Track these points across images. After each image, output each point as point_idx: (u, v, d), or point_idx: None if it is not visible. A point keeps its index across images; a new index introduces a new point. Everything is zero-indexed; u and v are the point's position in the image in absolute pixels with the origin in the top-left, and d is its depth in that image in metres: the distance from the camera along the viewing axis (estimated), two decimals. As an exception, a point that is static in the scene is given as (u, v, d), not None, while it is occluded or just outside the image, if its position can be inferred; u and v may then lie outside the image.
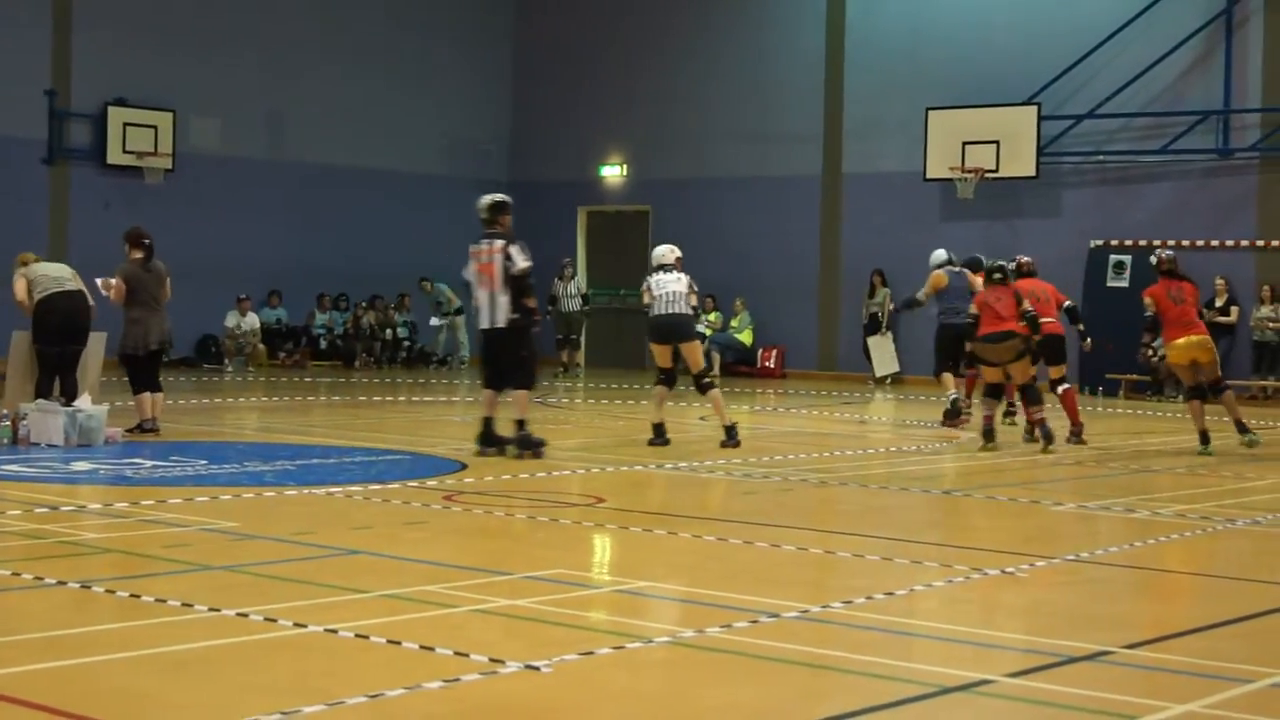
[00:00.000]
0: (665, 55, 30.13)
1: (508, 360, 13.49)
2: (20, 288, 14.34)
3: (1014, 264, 16.86)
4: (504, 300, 13.28)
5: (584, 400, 21.48)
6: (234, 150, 28.37)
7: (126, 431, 14.27)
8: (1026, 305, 15.19)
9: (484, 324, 13.48)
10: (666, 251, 15.08)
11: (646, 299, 14.82)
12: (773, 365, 28.21)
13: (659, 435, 14.66)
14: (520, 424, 13.43)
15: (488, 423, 13.62)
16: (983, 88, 26.07)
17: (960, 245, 24.29)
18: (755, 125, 28.93)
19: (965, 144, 25.90)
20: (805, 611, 7.09)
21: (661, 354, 14.93)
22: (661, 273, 14.85)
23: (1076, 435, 15.83)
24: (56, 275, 14.58)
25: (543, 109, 31.72)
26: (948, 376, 17.50)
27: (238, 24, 28.50)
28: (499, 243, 13.33)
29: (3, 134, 25.68)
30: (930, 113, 26.27)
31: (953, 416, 17.41)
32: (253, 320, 27.20)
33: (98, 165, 26.65)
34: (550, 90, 31.59)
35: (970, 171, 25.80)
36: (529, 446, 13.32)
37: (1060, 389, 16.06)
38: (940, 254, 18.16)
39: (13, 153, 25.55)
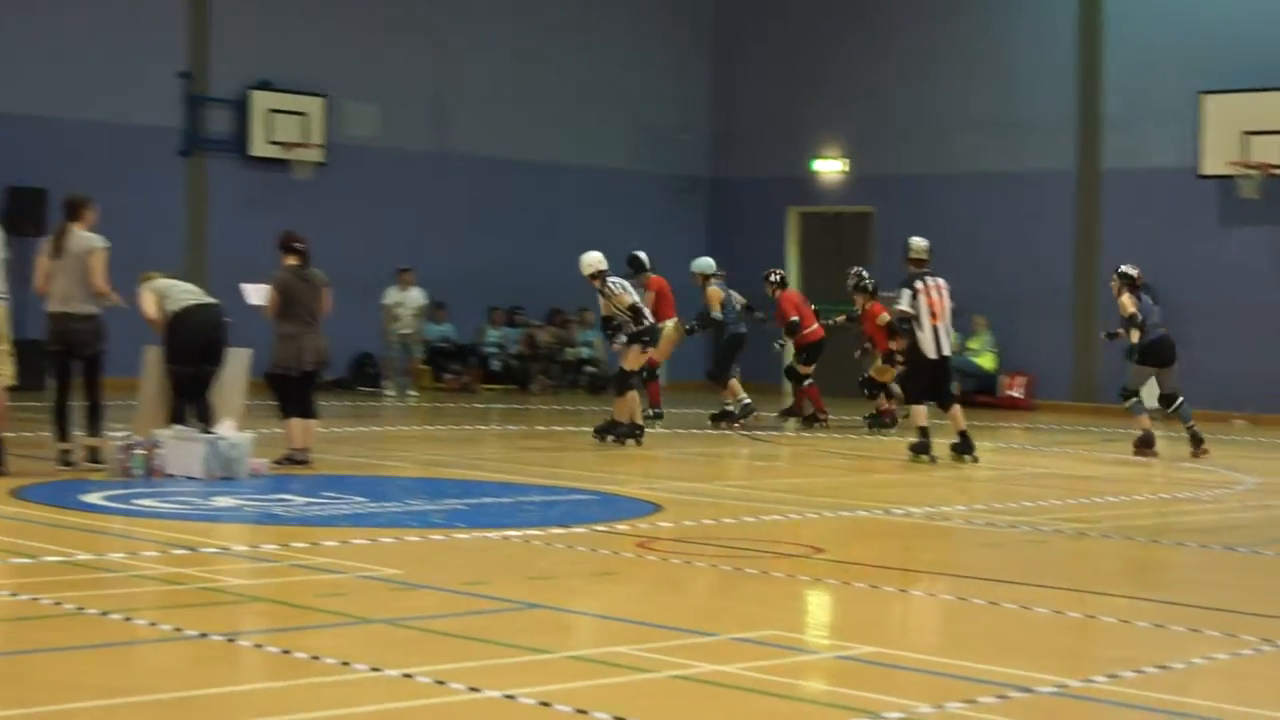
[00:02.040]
0: (890, 34, 30.02)
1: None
2: (149, 302, 14.66)
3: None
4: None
5: (801, 434, 21.43)
6: (393, 141, 28.82)
7: (274, 463, 14.56)
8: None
9: (932, 355, 17.00)
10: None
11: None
12: (1019, 395, 27.92)
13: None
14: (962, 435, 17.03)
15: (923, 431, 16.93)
16: (1269, 67, 25.58)
17: (1244, 253, 23.80)
18: (997, 113, 28.68)
19: (1248, 134, 25.41)
20: (1063, 686, 7.02)
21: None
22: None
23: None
24: (188, 288, 14.92)
25: (748, 95, 31.80)
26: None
27: (399, -4, 29.02)
28: (942, 280, 17.30)
29: (133, 122, 26.37)
30: (1204, 97, 25.83)
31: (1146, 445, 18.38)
32: (416, 297, 27.01)
33: (239, 157, 27.23)
34: (757, 74, 31.65)
35: (1255, 167, 25.31)
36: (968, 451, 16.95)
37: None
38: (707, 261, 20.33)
39: (145, 143, 26.22)
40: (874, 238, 29.43)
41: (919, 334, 17.13)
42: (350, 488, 13.45)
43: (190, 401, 14.53)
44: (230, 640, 7.46)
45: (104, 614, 7.98)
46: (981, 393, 27.84)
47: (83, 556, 9.77)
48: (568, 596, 8.86)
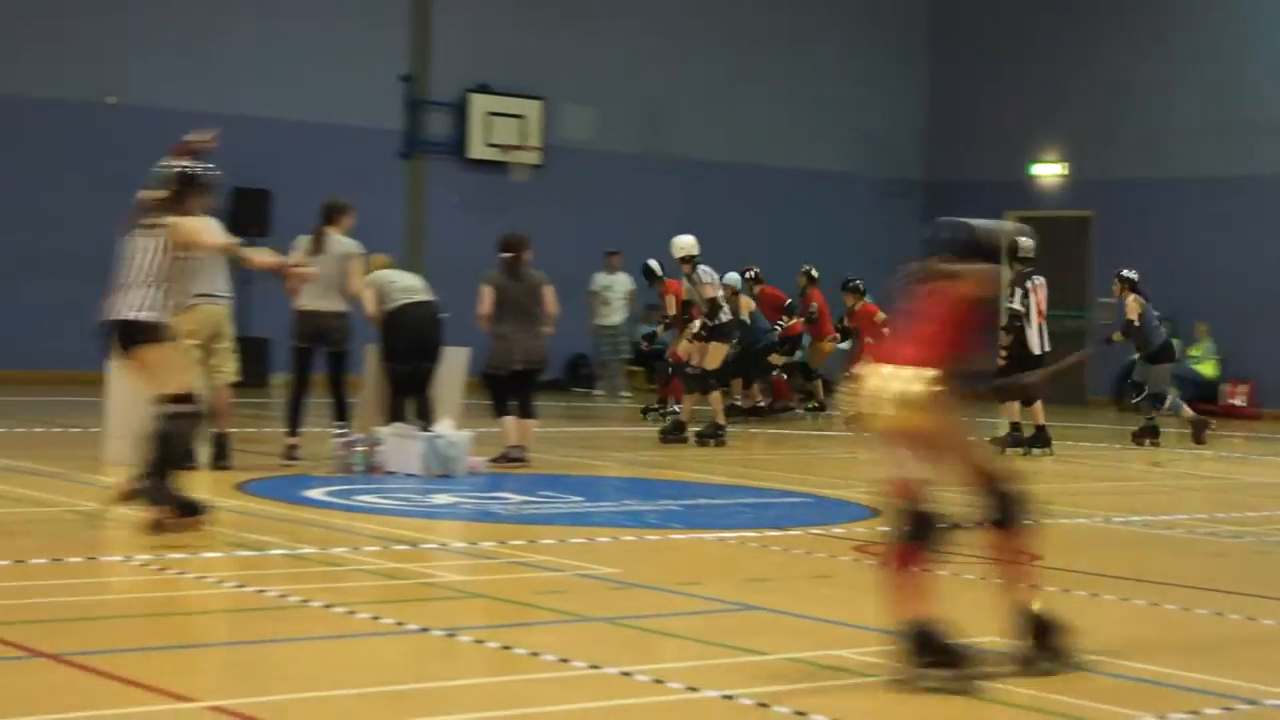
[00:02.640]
0: (1115, 33, 29.59)
1: None
2: (369, 298, 14.88)
3: None
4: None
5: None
6: (608, 144, 28.99)
7: (491, 461, 14.71)
8: None
9: (1037, 350, 17.58)
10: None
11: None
12: (1242, 403, 27.36)
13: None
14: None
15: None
16: None
17: None
18: (1220, 116, 28.14)
19: None
20: (1292, 699, 6.88)
21: None
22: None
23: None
24: (406, 285, 15.08)
25: (963, 97, 31.53)
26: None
27: (614, 1, 29.15)
28: (1043, 279, 18.04)
29: (356, 125, 26.80)
30: None
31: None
32: (624, 281, 26.96)
33: (458, 159, 27.57)
34: (972, 75, 31.38)
35: None
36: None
37: None
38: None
39: (366, 145, 26.63)
40: (1093, 243, 29.03)
41: (1027, 330, 17.76)
42: (566, 487, 13.55)
43: (411, 399, 14.71)
44: (450, 635, 7.55)
45: (328, 607, 8.12)
46: (1203, 400, 27.29)
47: (306, 550, 9.95)
48: (784, 599, 8.84)
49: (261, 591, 8.47)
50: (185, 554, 9.64)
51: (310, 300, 14.47)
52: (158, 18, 25.67)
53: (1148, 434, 19.88)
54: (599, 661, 7.01)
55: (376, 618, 7.92)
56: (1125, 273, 20.09)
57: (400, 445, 14.00)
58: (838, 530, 11.62)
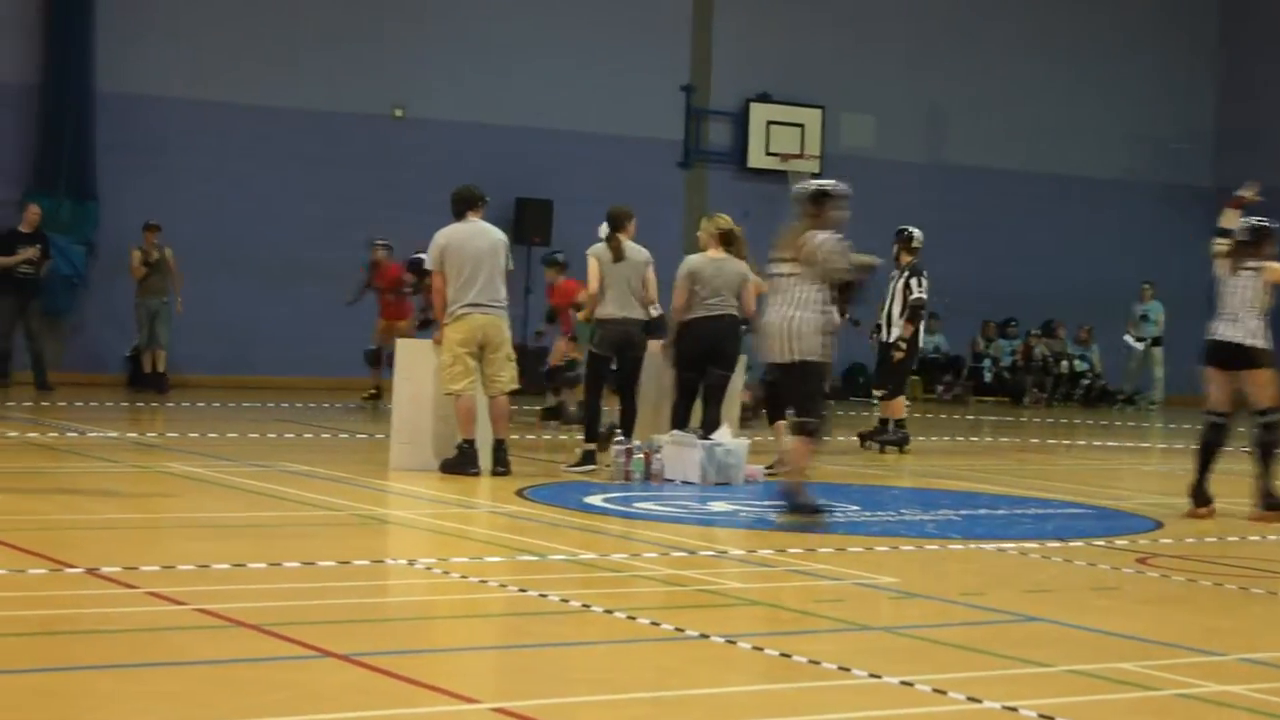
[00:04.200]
0: None
1: None
2: (680, 294, 14.81)
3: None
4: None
5: None
6: (887, 152, 28.86)
7: (767, 469, 14.70)
8: None
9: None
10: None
11: None
12: None
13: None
14: None
15: None
16: None
17: None
18: None
19: None
20: None
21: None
22: None
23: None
24: (715, 288, 14.75)
25: (1254, 101, 30.77)
26: None
27: (892, 9, 29.00)
28: None
29: (637, 135, 27.04)
30: None
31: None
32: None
33: (737, 168, 27.66)
34: (1266, 78, 30.60)
35: None
36: None
37: None
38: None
39: (647, 155, 26.86)
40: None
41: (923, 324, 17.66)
42: (844, 496, 13.48)
43: (699, 407, 14.66)
44: (730, 642, 7.56)
45: (608, 612, 8.19)
46: None
47: (587, 556, 10.04)
48: (1066, 610, 8.70)
49: (543, 596, 8.57)
50: (468, 558, 9.80)
51: (613, 309, 14.59)
52: (443, 32, 26.18)
53: None
54: (879, 671, 6.97)
55: (656, 623, 7.97)
56: None
57: (679, 453, 14.07)
58: (1120, 542, 11.42)
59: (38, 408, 19.88)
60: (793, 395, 12.27)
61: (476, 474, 13.84)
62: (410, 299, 21.73)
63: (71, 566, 8.84)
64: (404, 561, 9.96)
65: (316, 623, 7.72)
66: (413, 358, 14.56)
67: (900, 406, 18.09)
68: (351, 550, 10.05)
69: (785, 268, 11.91)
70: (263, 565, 9.14)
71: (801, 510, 11.64)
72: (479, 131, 26.23)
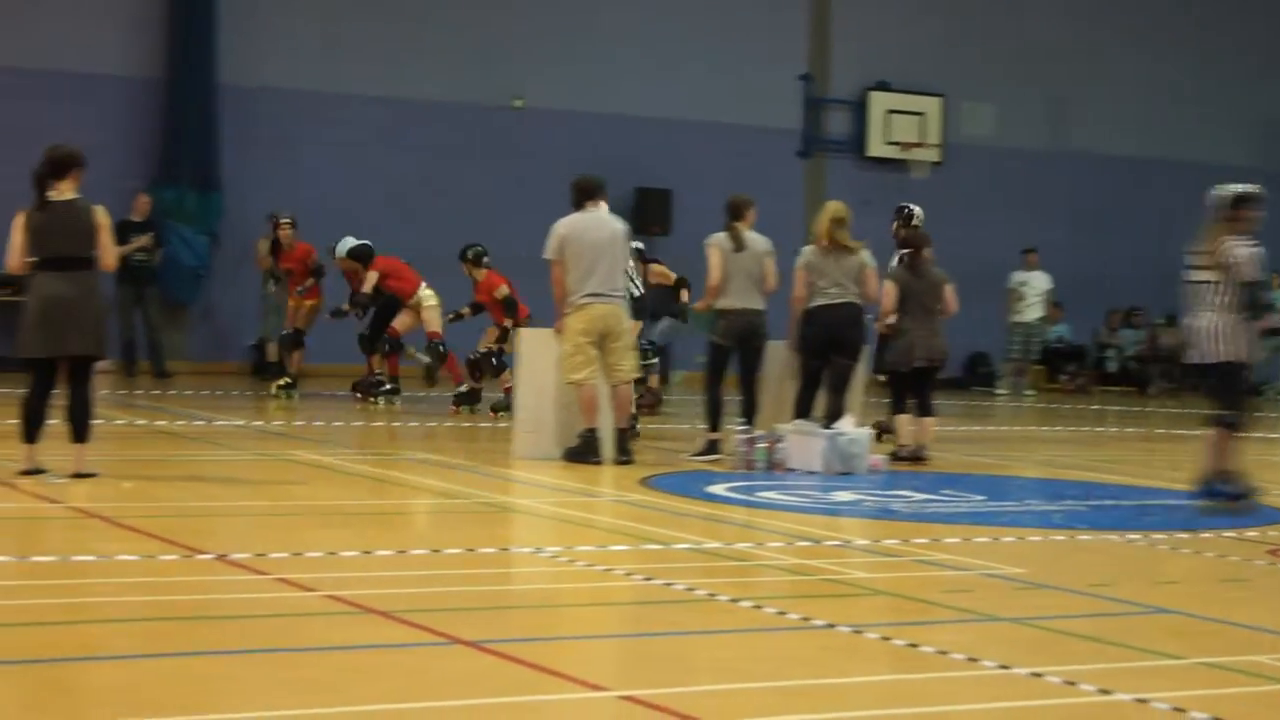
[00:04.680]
0: None
1: None
2: (801, 281, 14.76)
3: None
4: None
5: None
6: (1009, 140, 28.66)
7: (891, 459, 14.65)
8: None
9: None
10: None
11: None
12: None
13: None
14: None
15: None
16: None
17: None
18: None
19: None
20: None
21: None
22: None
23: None
24: (831, 283, 14.67)
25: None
26: None
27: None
28: None
29: (755, 124, 27.01)
30: None
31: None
32: (1040, 280, 26.21)
33: (856, 157, 27.57)
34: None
35: None
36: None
37: None
38: None
39: (765, 145, 26.83)
40: None
41: None
42: (969, 486, 13.42)
43: (823, 396, 14.61)
44: (857, 632, 7.54)
45: (734, 601, 8.19)
46: None
47: (711, 545, 10.05)
48: (1197, 602, 8.62)
49: (669, 585, 8.58)
50: (593, 547, 9.83)
51: (735, 299, 14.57)
52: (563, 22, 26.27)
53: None
54: (1008, 662, 6.93)
55: (783, 613, 7.96)
56: None
57: (802, 442, 14.05)
58: (1251, 534, 11.27)
59: (163, 396, 20.12)
60: (1215, 392, 12.26)
61: (599, 462, 13.88)
62: (320, 281, 20.96)
63: (202, 553, 8.95)
64: (530, 549, 10.00)
65: (444, 610, 7.77)
66: (535, 347, 14.62)
67: None
68: (477, 538, 10.11)
69: (1203, 274, 11.98)
70: (390, 552, 9.21)
71: (1229, 496, 11.88)
72: (598, 121, 26.29)
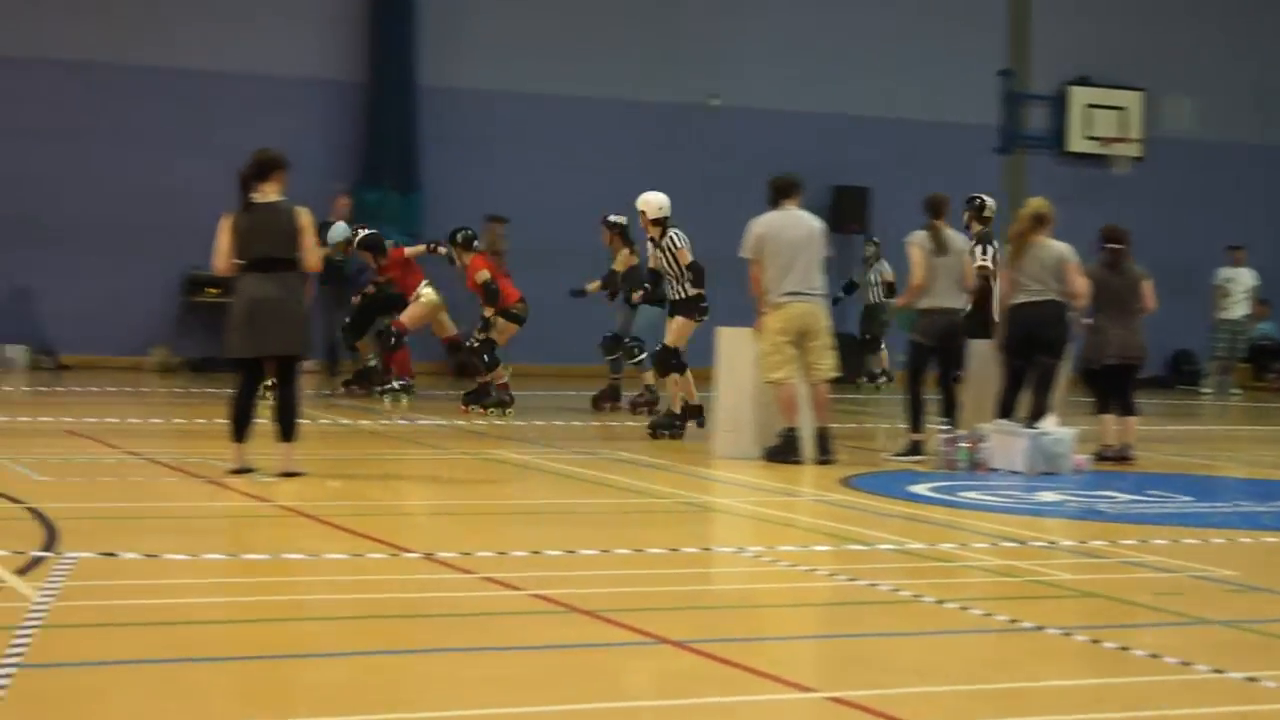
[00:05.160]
0: None
1: None
2: (1004, 282, 14.60)
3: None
4: None
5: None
6: (1212, 133, 28.13)
7: (1094, 458, 14.44)
8: None
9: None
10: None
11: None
12: None
13: None
14: None
15: None
16: None
17: None
18: None
19: None
20: None
21: None
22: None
23: None
24: (1029, 282, 14.47)
25: None
26: None
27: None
28: None
29: (952, 120, 26.78)
30: None
31: None
32: (1247, 276, 25.45)
33: (1056, 153, 27.23)
34: None
35: None
36: None
37: None
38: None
39: (963, 141, 26.58)
40: None
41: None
42: (1175, 486, 13.19)
43: (1027, 395, 14.40)
44: (1066, 634, 7.43)
45: (939, 602, 8.10)
46: None
47: (914, 545, 9.96)
48: None
49: (873, 585, 8.52)
50: (795, 546, 9.79)
51: (937, 298, 14.43)
52: (758, 20, 26.27)
53: None
54: (1222, 666, 6.78)
55: (989, 614, 7.87)
56: None
57: (1004, 442, 13.88)
58: None
59: (367, 395, 20.36)
60: None
61: (799, 462, 13.82)
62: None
63: (409, 551, 9.04)
64: (732, 549, 9.98)
65: (648, 609, 7.78)
66: (734, 346, 14.59)
67: None
68: (680, 537, 10.11)
69: None
70: (594, 551, 9.24)
71: None
72: (795, 119, 26.23)
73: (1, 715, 5.60)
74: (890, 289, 23.69)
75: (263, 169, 11.91)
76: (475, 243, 18.57)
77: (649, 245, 16.44)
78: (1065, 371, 15.38)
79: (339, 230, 20.34)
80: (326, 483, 12.08)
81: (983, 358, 14.92)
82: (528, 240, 23.79)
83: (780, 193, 14.41)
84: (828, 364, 14.25)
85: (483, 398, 18.10)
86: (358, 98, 24.90)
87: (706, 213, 23.57)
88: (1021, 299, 14.36)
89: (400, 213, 24.59)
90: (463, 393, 18.65)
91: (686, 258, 16.13)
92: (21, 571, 7.99)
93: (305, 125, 23.92)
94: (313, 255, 12.10)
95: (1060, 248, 14.48)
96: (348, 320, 20.30)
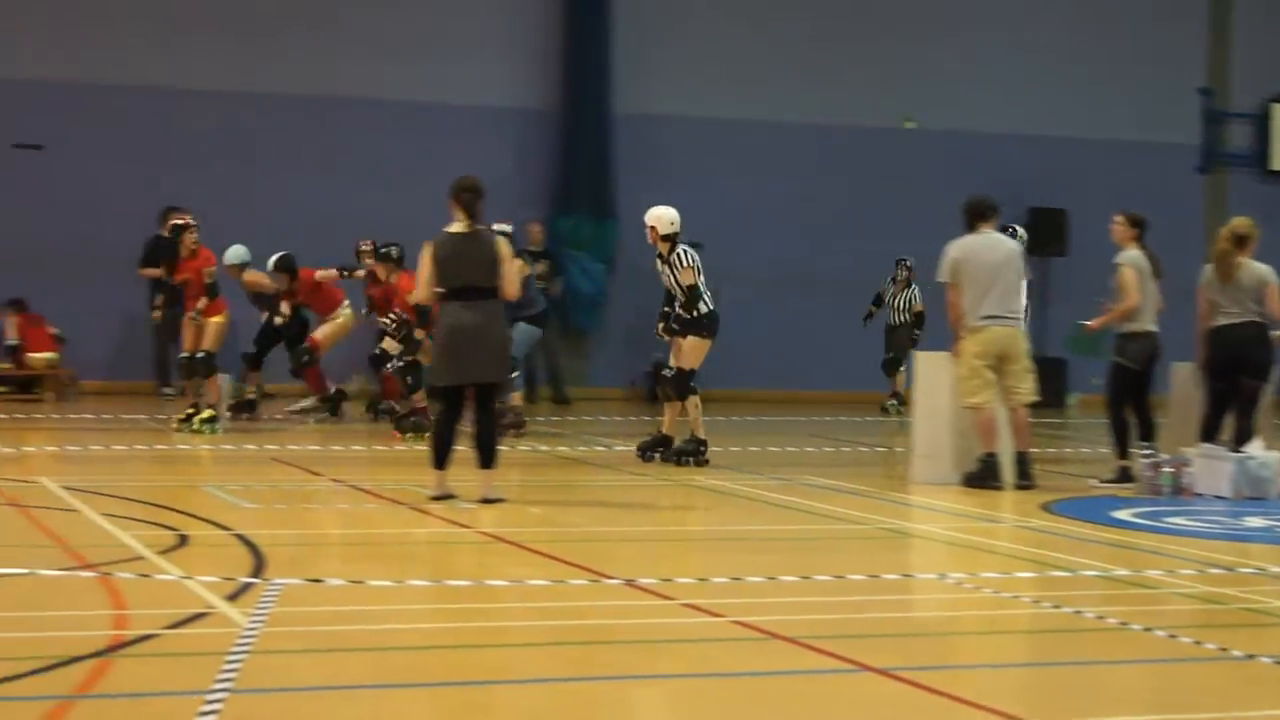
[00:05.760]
0: None
1: None
2: (1202, 304, 14.32)
3: None
4: None
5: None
6: None
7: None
8: None
9: None
10: None
11: None
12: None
13: None
14: None
15: None
16: None
17: None
18: None
19: None
20: None
21: None
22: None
23: None
24: (1229, 305, 14.21)
25: None
26: None
27: None
28: None
29: (1152, 140, 26.38)
30: None
31: None
32: None
33: (1259, 172, 26.68)
34: None
35: None
36: None
37: None
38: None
39: (1163, 160, 26.16)
40: None
41: None
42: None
43: (1232, 418, 14.11)
44: (1278, 664, 7.26)
45: (1146, 629, 7.96)
46: None
47: (1119, 572, 9.79)
48: None
49: (1078, 612, 8.39)
50: (997, 573, 9.67)
51: (1148, 321, 14.19)
52: (950, 42, 26.19)
53: None
54: None
55: (1198, 642, 7.71)
56: None
57: (1209, 466, 13.62)
58: None
59: (563, 422, 20.48)
60: None
61: (999, 488, 13.66)
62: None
63: (609, 578, 9.05)
64: (933, 575, 9.88)
65: (851, 636, 7.72)
66: (932, 370, 14.47)
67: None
68: (880, 564, 10.04)
69: None
70: (794, 578, 9.19)
71: None
72: (989, 141, 26.01)
73: (214, 740, 5.69)
74: (919, 320, 22.82)
75: (463, 197, 11.99)
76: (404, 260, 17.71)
77: (657, 262, 15.47)
78: (1269, 394, 15.05)
79: (238, 253, 19.55)
80: (526, 509, 12.15)
81: (1185, 380, 14.64)
82: (720, 265, 23.77)
83: (977, 215, 14.27)
84: (1027, 388, 14.08)
85: (401, 421, 17.48)
86: (553, 126, 25.09)
87: (900, 237, 23.47)
88: (1221, 321, 14.06)
89: (595, 239, 24.73)
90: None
91: (689, 278, 15.01)
92: (231, 598, 8.12)
93: (500, 153, 24.12)
94: (512, 284, 12.19)
95: (1262, 269, 14.17)
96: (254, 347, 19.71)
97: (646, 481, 14.34)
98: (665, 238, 15.09)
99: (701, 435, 15.25)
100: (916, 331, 22.62)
